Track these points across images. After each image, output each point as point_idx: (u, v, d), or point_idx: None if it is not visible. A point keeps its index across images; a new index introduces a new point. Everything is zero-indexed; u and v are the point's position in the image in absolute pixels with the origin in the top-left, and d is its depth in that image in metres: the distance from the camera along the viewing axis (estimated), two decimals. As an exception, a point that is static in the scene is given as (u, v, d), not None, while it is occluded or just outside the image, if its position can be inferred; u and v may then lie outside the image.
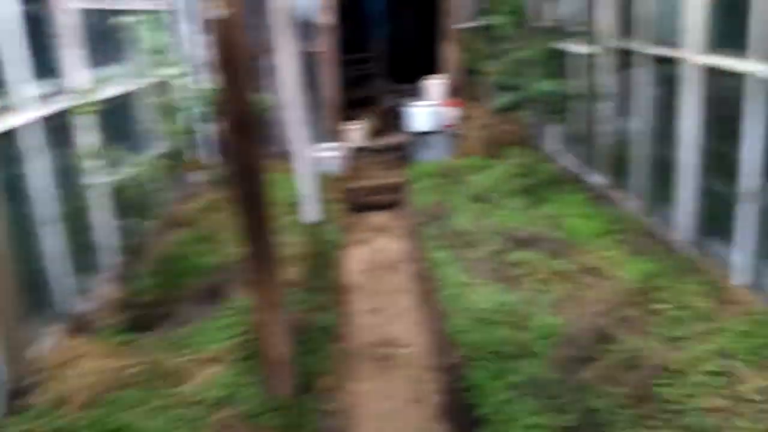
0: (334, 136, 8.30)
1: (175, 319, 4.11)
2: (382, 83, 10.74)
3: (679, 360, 2.96)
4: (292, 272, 4.69)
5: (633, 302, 3.61)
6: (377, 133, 9.05)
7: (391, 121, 9.66)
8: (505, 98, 5.45)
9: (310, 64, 8.15)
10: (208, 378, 3.42)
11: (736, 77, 3.43)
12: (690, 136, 3.97)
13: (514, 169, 6.44)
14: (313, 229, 5.69)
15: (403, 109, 7.99)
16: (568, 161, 6.25)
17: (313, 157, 5.93)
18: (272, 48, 5.61)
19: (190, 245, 5.22)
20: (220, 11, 2.44)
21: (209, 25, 2.57)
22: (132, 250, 4.04)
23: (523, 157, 6.79)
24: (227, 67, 2.56)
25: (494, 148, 7.44)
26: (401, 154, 8.33)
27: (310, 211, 5.80)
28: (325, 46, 7.99)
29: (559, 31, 5.98)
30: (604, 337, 3.28)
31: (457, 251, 4.81)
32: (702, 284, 3.59)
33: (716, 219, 3.86)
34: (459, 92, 8.14)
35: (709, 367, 2.86)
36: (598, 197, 5.34)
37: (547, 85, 4.91)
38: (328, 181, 7.35)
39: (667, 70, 4.30)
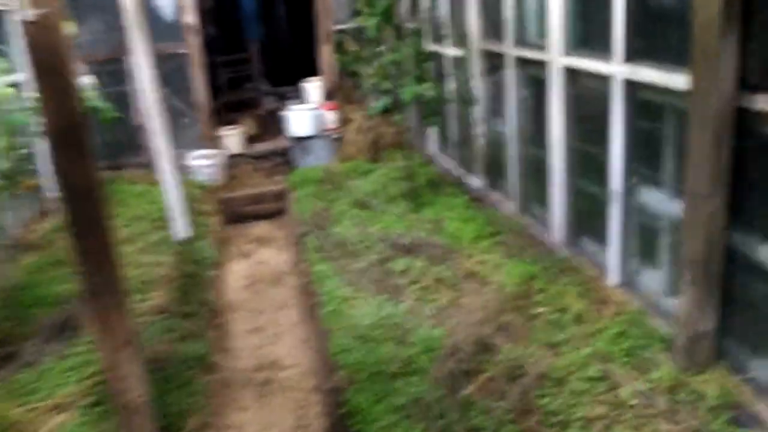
0: (209, 142, 7.84)
1: (19, 361, 3.60)
2: (259, 86, 10.36)
3: (559, 367, 2.93)
4: (159, 297, 4.28)
5: (513, 307, 3.57)
6: (256, 138, 8.68)
7: (271, 125, 9.32)
8: (379, 103, 5.31)
9: (180, 66, 7.65)
10: (55, 429, 2.99)
11: (600, 79, 3.48)
12: (559, 138, 4.01)
13: (395, 173, 6.35)
14: (185, 246, 5.27)
15: (283, 112, 7.69)
16: (448, 164, 6.25)
17: (178, 168, 5.49)
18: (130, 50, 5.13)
19: (40, 272, 4.65)
20: (30, 11, 2.06)
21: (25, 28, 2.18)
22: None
23: (404, 161, 6.73)
24: (43, 73, 2.19)
25: (375, 151, 7.34)
26: (282, 160, 8.03)
27: (180, 226, 5.38)
28: (191, 47, 7.51)
29: (430, 34, 5.95)
30: (486, 347, 3.20)
31: (340, 262, 4.61)
32: (578, 285, 3.62)
33: (588, 220, 3.93)
34: (336, 95, 7.95)
35: (589, 372, 2.85)
36: (476, 199, 5.35)
37: (419, 89, 4.82)
38: (203, 192, 6.92)
39: (534, 72, 4.34)
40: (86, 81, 7.28)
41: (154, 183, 6.78)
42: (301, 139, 7.45)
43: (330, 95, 7.95)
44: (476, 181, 5.48)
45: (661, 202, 3.23)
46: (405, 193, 5.73)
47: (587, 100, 3.83)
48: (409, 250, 4.63)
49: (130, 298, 4.28)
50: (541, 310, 3.51)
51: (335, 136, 7.44)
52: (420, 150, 7.06)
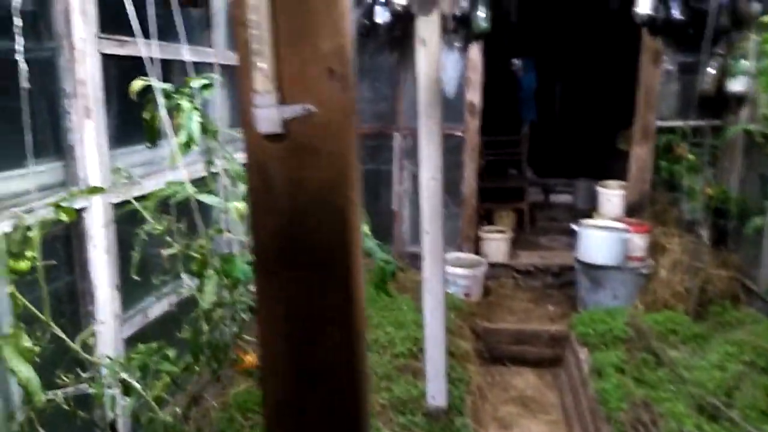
0: (467, 244, 6.34)
1: None
2: (525, 174, 8.77)
3: None
4: None
5: None
6: (521, 243, 6.99)
7: (531, 222, 7.63)
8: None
9: (452, 149, 6.35)
10: None
11: None
12: None
13: (748, 353, 4.15)
14: (439, 423, 3.64)
15: (574, 227, 5.80)
16: None
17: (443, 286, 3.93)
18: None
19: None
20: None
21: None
22: None
23: (758, 331, 4.49)
24: None
25: (700, 303, 5.16)
26: (556, 282, 6.22)
27: (437, 387, 3.78)
28: (469, 129, 6.15)
29: None
30: None
31: None
32: None
33: None
34: (644, 211, 5.96)
35: None
36: None
37: None
38: (457, 314, 5.36)
39: None
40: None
41: (406, 288, 5.45)
42: (590, 266, 5.54)
43: (634, 210, 5.99)
44: None
45: None
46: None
47: None
48: None
49: None
50: None
51: (643, 269, 5.42)
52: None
